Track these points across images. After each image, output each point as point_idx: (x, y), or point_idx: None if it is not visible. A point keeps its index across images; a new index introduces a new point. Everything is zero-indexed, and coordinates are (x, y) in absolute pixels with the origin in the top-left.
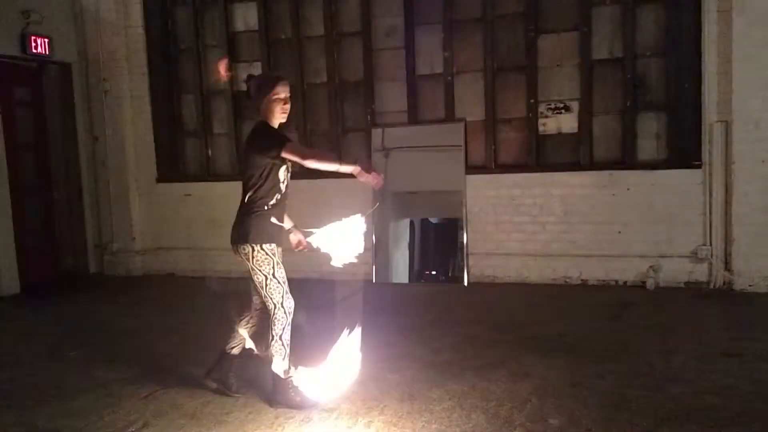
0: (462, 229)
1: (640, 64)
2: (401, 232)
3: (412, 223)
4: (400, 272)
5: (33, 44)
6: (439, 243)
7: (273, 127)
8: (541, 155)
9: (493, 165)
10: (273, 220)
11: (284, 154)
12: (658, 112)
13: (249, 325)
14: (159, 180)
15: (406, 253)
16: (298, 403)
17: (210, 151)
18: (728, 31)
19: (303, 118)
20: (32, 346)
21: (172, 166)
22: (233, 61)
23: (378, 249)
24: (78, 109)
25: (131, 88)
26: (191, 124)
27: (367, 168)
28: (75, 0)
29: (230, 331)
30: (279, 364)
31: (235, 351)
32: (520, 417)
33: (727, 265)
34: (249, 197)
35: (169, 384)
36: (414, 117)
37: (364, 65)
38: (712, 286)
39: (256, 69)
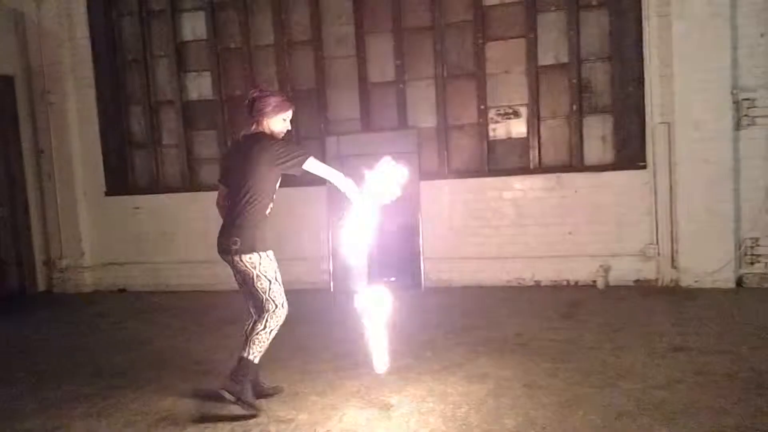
0: (418, 235)
1: (585, 69)
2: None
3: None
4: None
5: None
6: (399, 249)
7: (285, 141)
8: (492, 160)
9: (446, 171)
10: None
11: (306, 166)
12: (604, 115)
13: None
14: (108, 193)
15: (365, 260)
16: (244, 397)
17: (160, 163)
18: (668, 36)
19: None
20: None
21: (120, 179)
22: (182, 71)
23: (335, 257)
24: (22, 122)
25: (77, 100)
26: (140, 135)
27: None
28: (16, 11)
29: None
30: (253, 354)
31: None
32: (476, 418)
33: (674, 263)
34: (250, 208)
35: (122, 403)
36: (367, 125)
37: (316, 73)
38: (660, 283)
39: (205, 79)
